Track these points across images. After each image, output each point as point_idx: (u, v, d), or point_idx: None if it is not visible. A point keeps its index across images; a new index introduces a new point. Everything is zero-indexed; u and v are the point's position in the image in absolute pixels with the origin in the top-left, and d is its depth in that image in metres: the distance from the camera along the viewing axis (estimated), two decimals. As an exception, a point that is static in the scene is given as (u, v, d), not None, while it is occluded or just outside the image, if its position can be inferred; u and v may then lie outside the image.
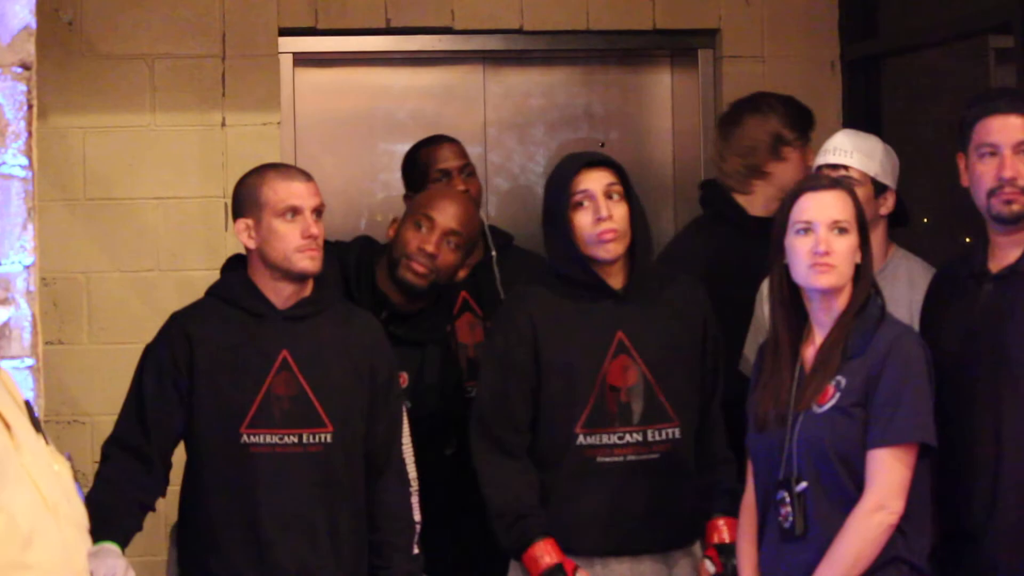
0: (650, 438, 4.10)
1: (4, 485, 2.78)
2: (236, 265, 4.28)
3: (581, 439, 4.09)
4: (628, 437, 4.09)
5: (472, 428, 4.20)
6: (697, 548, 4.19)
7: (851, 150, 4.31)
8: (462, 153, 4.98)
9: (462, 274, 4.63)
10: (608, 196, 4.09)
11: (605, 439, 4.09)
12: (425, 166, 4.92)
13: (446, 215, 4.54)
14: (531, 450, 4.14)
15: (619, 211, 4.10)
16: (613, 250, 4.09)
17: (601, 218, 4.07)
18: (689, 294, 4.25)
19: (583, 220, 4.09)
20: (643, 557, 4.13)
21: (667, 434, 4.11)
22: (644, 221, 4.19)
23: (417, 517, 4.26)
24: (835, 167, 4.28)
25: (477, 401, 4.23)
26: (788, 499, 3.66)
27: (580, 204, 4.09)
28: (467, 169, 4.93)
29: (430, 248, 4.51)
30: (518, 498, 4.10)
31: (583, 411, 4.09)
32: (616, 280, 4.15)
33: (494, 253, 4.91)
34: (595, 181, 4.11)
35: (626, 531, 4.10)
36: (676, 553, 4.16)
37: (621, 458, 4.09)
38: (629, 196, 4.14)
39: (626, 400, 4.10)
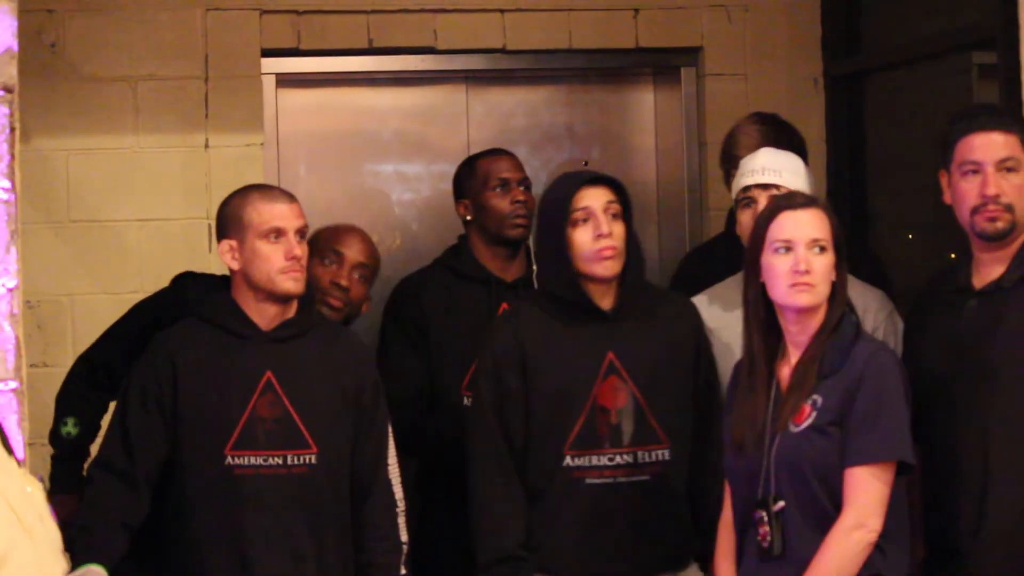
0: (640, 460, 4.08)
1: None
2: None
3: (569, 460, 4.06)
4: (618, 458, 4.06)
5: (469, 442, 4.15)
6: (691, 572, 4.15)
7: (781, 169, 4.24)
8: (521, 166, 5.01)
9: (365, 308, 4.64)
10: (607, 213, 4.08)
11: (595, 460, 4.06)
12: (485, 175, 4.93)
13: (353, 249, 4.63)
14: (521, 471, 4.11)
15: (618, 229, 4.08)
16: (611, 267, 4.07)
17: (601, 234, 4.04)
18: (680, 312, 4.23)
19: (582, 237, 4.06)
20: None
21: (657, 456, 4.09)
22: (636, 241, 4.16)
23: (404, 537, 4.24)
24: (767, 187, 4.22)
25: (473, 414, 4.18)
26: (766, 519, 3.64)
27: (580, 221, 4.07)
28: (525, 182, 4.95)
29: (343, 282, 4.58)
30: (505, 534, 4.06)
31: (571, 433, 4.06)
32: (607, 301, 4.12)
33: (535, 268, 4.92)
34: (596, 198, 4.08)
35: (612, 553, 4.07)
36: None
37: (611, 479, 4.06)
38: (626, 216, 4.12)
39: (616, 421, 4.07)
